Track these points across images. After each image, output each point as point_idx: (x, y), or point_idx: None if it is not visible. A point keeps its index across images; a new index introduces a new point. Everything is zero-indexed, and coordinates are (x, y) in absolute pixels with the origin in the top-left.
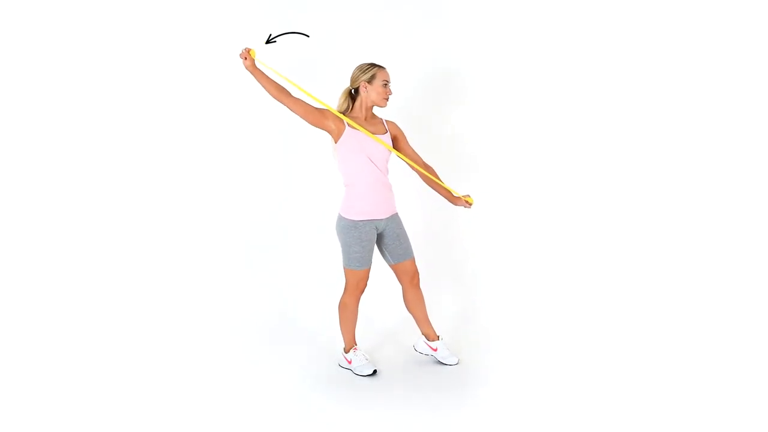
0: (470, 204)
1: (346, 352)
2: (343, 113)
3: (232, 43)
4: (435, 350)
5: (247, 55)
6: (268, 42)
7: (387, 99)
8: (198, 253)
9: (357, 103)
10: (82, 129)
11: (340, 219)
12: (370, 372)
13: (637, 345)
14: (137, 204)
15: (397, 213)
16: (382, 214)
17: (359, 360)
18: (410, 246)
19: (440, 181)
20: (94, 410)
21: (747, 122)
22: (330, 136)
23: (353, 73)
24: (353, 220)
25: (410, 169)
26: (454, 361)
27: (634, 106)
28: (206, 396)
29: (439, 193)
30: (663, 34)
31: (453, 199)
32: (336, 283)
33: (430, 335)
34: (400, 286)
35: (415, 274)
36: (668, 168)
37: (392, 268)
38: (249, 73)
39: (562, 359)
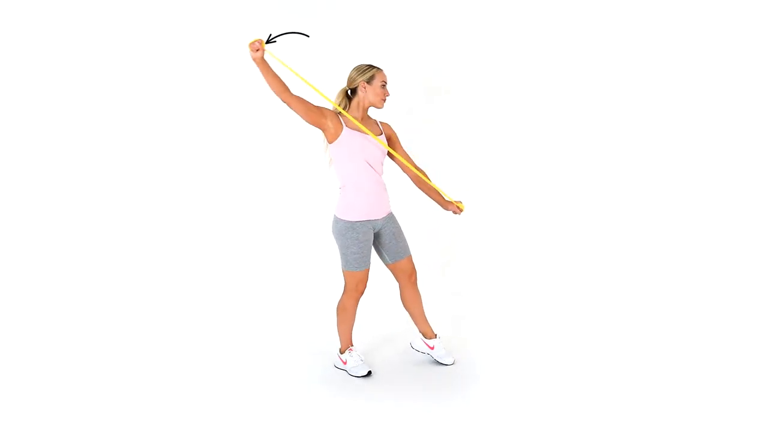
0: (461, 210)
1: (341, 353)
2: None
3: (232, 43)
4: (432, 348)
5: (260, 46)
6: (268, 42)
7: (384, 100)
8: (197, 253)
9: (353, 104)
10: (83, 129)
11: (337, 221)
12: (365, 373)
13: (632, 344)
14: (136, 205)
15: (392, 212)
16: (378, 214)
17: (354, 361)
18: (407, 244)
19: (432, 183)
20: (93, 410)
21: (746, 122)
22: (323, 136)
23: (351, 74)
24: (350, 222)
25: (402, 171)
26: (450, 360)
27: (628, 108)
28: (203, 396)
29: (430, 196)
30: (660, 34)
31: (444, 203)
32: (334, 284)
33: (428, 333)
34: (398, 285)
35: (413, 272)
36: (664, 167)
37: (390, 268)
38: (255, 65)
39: (557, 359)
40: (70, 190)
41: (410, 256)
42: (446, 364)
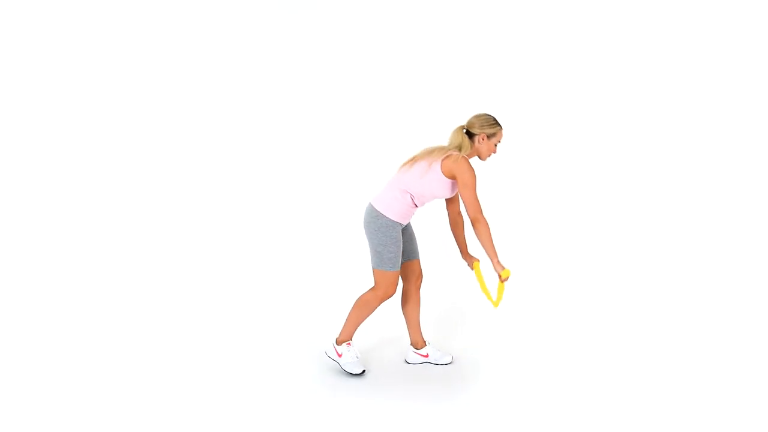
0: (473, 269)
1: (338, 344)
2: (459, 149)
3: (232, 44)
4: (426, 356)
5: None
6: None
7: (490, 156)
8: (198, 253)
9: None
10: (84, 130)
11: (380, 216)
12: (359, 371)
13: (631, 345)
14: (138, 205)
15: None
16: (406, 222)
17: (350, 357)
18: (418, 247)
19: (463, 234)
20: (93, 410)
21: (747, 122)
22: (437, 156)
23: (474, 120)
24: (394, 221)
25: (446, 208)
26: (447, 360)
27: (630, 113)
28: (204, 395)
29: (456, 241)
30: (661, 35)
31: (465, 254)
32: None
33: (419, 342)
34: (402, 287)
35: (420, 276)
36: (662, 174)
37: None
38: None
39: (557, 359)
40: (79, 191)
41: (419, 259)
42: (446, 364)
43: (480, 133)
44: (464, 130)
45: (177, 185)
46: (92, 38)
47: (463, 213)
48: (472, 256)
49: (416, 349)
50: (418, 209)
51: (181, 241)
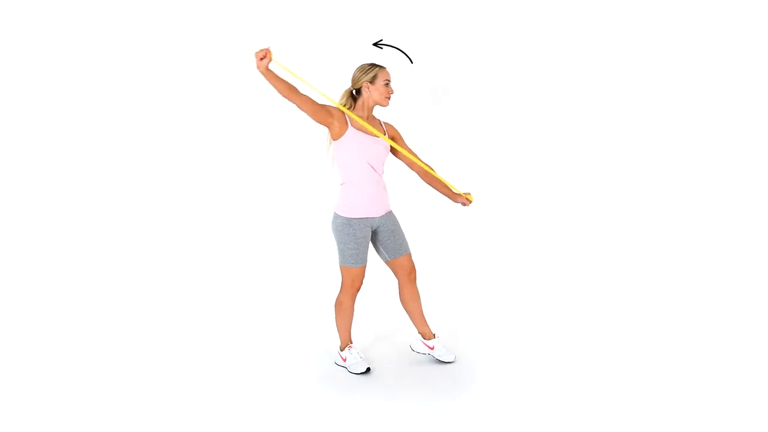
0: (470, 201)
1: (341, 350)
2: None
3: (233, 44)
4: (432, 348)
5: (266, 54)
6: (375, 45)
7: (389, 98)
8: (197, 252)
9: (358, 104)
10: (84, 130)
11: (336, 217)
12: (363, 370)
13: (631, 344)
14: (137, 204)
15: (391, 211)
16: (376, 212)
17: (353, 358)
18: (406, 241)
19: (439, 176)
20: (94, 410)
21: (747, 122)
22: (328, 134)
23: (354, 74)
24: (348, 218)
25: (409, 168)
26: (450, 358)
27: (629, 107)
28: (205, 395)
29: (438, 190)
30: (661, 35)
31: (452, 195)
32: (334, 282)
33: (426, 333)
34: (398, 283)
35: (412, 270)
36: (665, 168)
37: (388, 265)
38: (260, 73)
39: (558, 356)
40: (70, 191)
41: (409, 254)
42: (448, 362)
43: (363, 82)
44: (351, 91)
45: (176, 187)
46: (91, 37)
47: (426, 161)
48: (460, 194)
49: (424, 339)
50: (366, 192)
51: (185, 243)
